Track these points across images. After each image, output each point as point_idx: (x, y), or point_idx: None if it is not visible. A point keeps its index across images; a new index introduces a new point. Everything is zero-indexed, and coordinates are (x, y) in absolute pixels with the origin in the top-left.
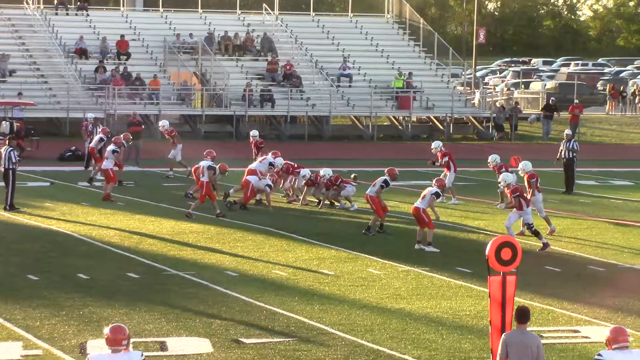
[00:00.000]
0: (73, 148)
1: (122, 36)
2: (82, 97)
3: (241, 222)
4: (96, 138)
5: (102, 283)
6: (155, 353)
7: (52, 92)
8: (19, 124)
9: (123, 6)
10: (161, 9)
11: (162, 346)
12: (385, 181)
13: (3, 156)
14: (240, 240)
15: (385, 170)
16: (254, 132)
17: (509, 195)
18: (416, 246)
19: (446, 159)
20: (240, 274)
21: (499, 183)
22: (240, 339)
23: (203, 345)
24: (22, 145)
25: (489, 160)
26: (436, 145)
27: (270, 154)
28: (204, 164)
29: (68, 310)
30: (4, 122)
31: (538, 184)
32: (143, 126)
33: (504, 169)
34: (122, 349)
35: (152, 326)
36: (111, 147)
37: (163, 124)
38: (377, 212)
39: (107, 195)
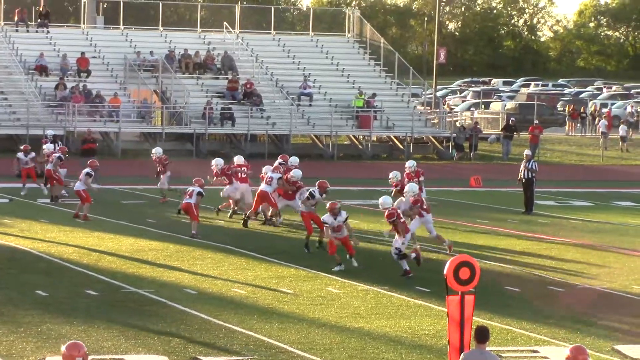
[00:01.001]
0: (32, 165)
1: (83, 53)
2: (42, 114)
3: (200, 240)
4: (55, 157)
5: (61, 300)
6: None
7: (12, 108)
8: None
9: (84, 23)
10: (122, 27)
11: None
12: (310, 192)
13: None
14: (199, 258)
15: (317, 182)
16: (158, 150)
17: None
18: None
19: (422, 178)
20: (199, 292)
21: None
22: (198, 357)
23: None
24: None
25: (390, 177)
26: (412, 164)
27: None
28: (195, 189)
29: (26, 327)
30: None
31: (424, 207)
32: (97, 144)
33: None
34: None
35: (110, 343)
36: (86, 170)
37: (156, 151)
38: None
39: (85, 217)
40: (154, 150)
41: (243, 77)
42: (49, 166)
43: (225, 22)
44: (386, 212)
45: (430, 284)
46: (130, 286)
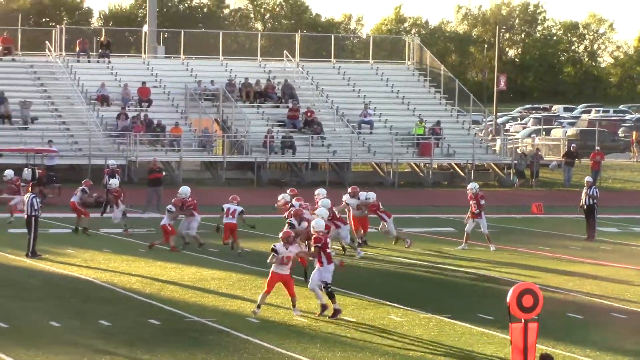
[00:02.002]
0: (95, 195)
1: (144, 83)
2: (104, 143)
3: (262, 268)
4: (79, 190)
5: (124, 329)
6: None
7: (74, 138)
8: (40, 171)
9: (144, 53)
10: (182, 56)
11: None
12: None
13: (26, 203)
14: (261, 287)
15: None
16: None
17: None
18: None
19: (483, 201)
20: (261, 321)
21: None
22: None
23: None
24: (44, 192)
25: (369, 198)
26: (473, 187)
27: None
28: (236, 208)
29: (90, 356)
30: (26, 169)
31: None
32: (164, 173)
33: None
34: None
35: None
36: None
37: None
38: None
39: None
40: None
41: (304, 105)
42: (74, 198)
43: (285, 51)
44: (314, 235)
45: (493, 311)
46: (192, 315)
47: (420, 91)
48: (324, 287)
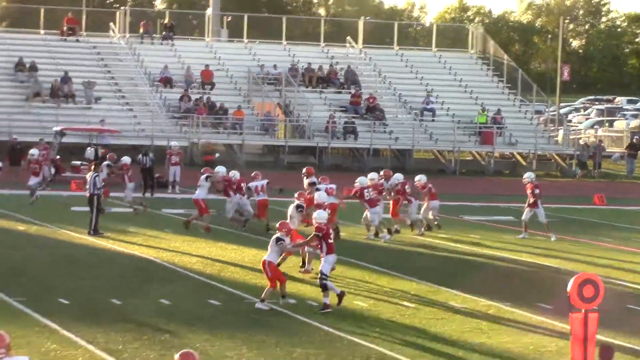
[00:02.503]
0: (157, 175)
1: (207, 66)
2: (166, 125)
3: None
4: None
5: (184, 309)
6: None
7: (137, 119)
8: (103, 150)
9: (208, 36)
10: (245, 40)
11: None
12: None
13: (88, 181)
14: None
15: (297, 194)
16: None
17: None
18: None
19: (537, 191)
20: (321, 304)
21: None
22: None
23: None
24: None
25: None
26: (529, 176)
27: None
28: (261, 182)
29: (150, 335)
30: (88, 148)
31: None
32: (217, 155)
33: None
34: None
35: (233, 353)
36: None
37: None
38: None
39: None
40: (231, 173)
41: (366, 91)
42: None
43: (348, 37)
44: (316, 225)
45: (553, 300)
46: (252, 297)
47: (483, 80)
48: (319, 278)
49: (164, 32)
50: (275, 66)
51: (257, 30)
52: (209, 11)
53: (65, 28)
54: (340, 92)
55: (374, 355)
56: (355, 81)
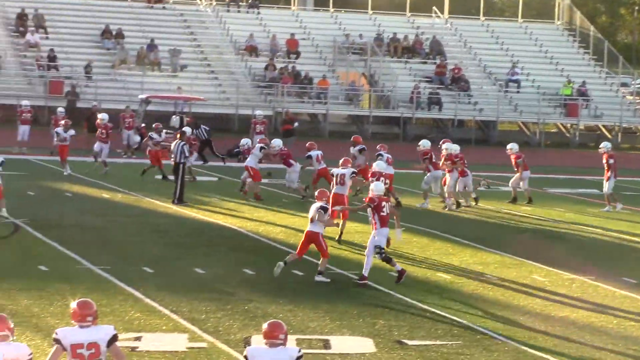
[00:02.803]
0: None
1: (292, 35)
2: (251, 94)
3: (406, 224)
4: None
5: (268, 279)
6: (318, 351)
7: (222, 88)
8: (188, 119)
9: (294, 5)
10: (331, 9)
11: (326, 344)
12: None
13: (175, 150)
14: (404, 242)
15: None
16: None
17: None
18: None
19: (612, 161)
20: (395, 274)
21: None
22: (403, 340)
23: (366, 344)
24: (191, 140)
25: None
26: (605, 145)
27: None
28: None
29: (233, 304)
30: (174, 116)
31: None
32: (296, 124)
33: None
34: (279, 342)
35: (315, 324)
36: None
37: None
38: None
39: (256, 196)
40: (273, 142)
41: (451, 62)
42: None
43: (434, 7)
44: (369, 195)
45: (638, 275)
46: (336, 268)
47: (569, 52)
48: (377, 253)
49: (250, 1)
50: (360, 36)
51: (343, 0)
52: None
53: None
54: (425, 63)
55: (456, 328)
56: (441, 51)
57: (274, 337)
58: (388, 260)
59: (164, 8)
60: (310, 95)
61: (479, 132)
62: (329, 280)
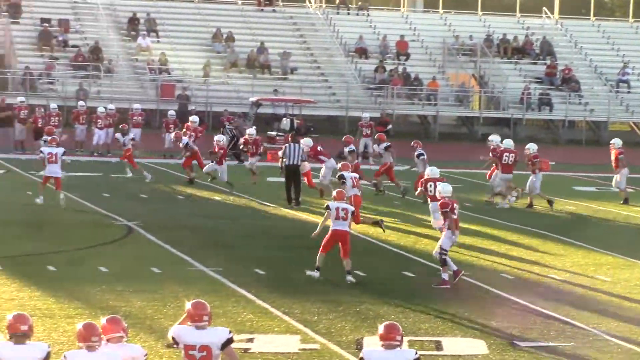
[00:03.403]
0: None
1: (402, 37)
2: (361, 96)
3: (516, 224)
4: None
5: (379, 280)
6: (430, 352)
7: (332, 90)
8: (299, 121)
9: (403, 7)
10: (441, 10)
11: (438, 346)
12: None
13: (289, 152)
14: (516, 243)
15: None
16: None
17: None
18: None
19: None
20: (515, 277)
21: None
22: (515, 342)
23: (478, 346)
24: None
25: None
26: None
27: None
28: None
29: (345, 306)
30: (284, 118)
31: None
32: (390, 126)
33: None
34: (396, 344)
35: (427, 325)
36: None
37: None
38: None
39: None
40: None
41: (561, 62)
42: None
43: (544, 8)
44: (441, 201)
45: None
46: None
47: None
48: (439, 253)
49: (359, 2)
50: (470, 37)
51: (453, 1)
52: None
53: None
54: (535, 63)
55: (569, 330)
56: (551, 52)
57: (390, 339)
58: (444, 263)
59: (274, 11)
60: (420, 97)
61: (590, 132)
62: (354, 280)
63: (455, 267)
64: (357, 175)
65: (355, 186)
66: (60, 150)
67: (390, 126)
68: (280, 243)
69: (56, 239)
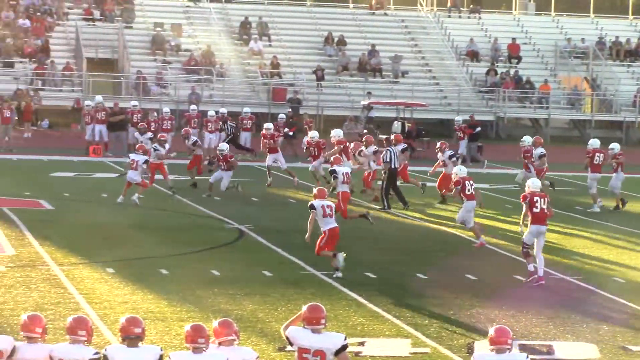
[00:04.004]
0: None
1: (514, 39)
2: (473, 99)
3: (626, 227)
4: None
5: (490, 284)
6: (541, 356)
7: (443, 93)
8: (410, 125)
9: (515, 9)
10: (553, 13)
11: (549, 350)
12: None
13: (387, 156)
14: (626, 247)
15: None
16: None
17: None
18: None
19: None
20: (627, 281)
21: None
22: (627, 346)
23: (590, 350)
24: (413, 145)
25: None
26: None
27: None
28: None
29: (456, 310)
30: (395, 122)
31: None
32: (478, 128)
33: None
34: (506, 348)
35: (539, 329)
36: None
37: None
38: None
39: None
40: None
41: None
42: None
43: None
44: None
45: None
46: (557, 273)
47: None
48: (522, 248)
49: (471, 6)
50: (582, 39)
51: (565, 3)
52: None
53: (373, 2)
54: None
55: None
56: None
57: (501, 343)
58: (527, 254)
59: (385, 14)
60: (531, 100)
61: None
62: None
63: (541, 273)
64: (349, 171)
65: (346, 182)
66: (143, 158)
67: (479, 128)
68: (390, 246)
69: (168, 242)
